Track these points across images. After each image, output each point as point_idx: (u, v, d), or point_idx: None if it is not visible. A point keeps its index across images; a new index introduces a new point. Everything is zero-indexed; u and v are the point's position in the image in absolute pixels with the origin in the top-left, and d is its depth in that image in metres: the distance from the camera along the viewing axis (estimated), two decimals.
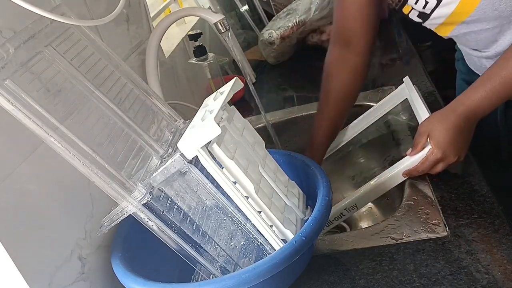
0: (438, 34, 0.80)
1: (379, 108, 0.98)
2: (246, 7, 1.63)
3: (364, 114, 0.99)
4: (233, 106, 0.64)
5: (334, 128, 0.91)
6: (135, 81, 0.67)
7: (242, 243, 0.65)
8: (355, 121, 1.00)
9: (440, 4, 0.72)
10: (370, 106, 1.04)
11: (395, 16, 1.48)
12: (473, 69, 0.91)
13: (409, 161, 0.74)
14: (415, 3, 0.74)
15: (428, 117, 0.76)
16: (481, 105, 0.70)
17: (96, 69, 0.62)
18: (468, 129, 0.72)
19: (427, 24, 0.77)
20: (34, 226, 0.56)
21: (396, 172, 0.76)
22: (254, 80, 1.41)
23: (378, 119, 0.99)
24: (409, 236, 0.65)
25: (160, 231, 0.57)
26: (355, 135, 1.01)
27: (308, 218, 0.58)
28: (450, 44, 0.90)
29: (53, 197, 0.59)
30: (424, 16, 0.75)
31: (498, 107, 0.72)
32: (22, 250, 0.53)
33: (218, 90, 0.61)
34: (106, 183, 0.53)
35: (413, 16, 0.77)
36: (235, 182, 0.57)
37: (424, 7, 0.74)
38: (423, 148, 0.73)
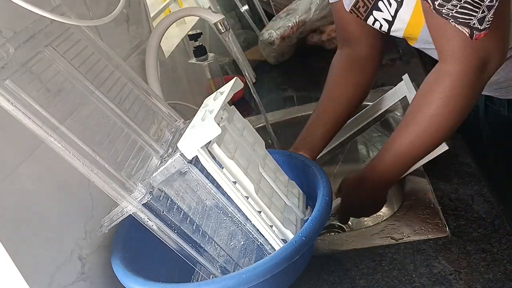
0: None
1: (376, 106, 0.97)
2: (246, 7, 1.63)
3: (362, 111, 0.97)
4: (233, 106, 0.64)
5: (332, 131, 0.86)
6: (135, 81, 0.67)
7: (242, 243, 0.65)
8: (352, 118, 0.97)
9: (391, 30, 0.74)
10: None
11: None
12: None
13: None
14: (373, 24, 0.75)
15: (350, 177, 0.79)
16: (393, 171, 0.71)
17: (96, 69, 0.62)
18: (379, 196, 0.75)
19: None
20: (34, 226, 0.56)
21: None
22: (254, 80, 1.41)
23: (375, 117, 0.98)
24: (409, 236, 0.65)
25: (160, 231, 0.57)
26: (351, 133, 0.99)
27: (308, 218, 0.58)
28: None
29: (53, 197, 0.59)
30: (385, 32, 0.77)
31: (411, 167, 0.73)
32: (22, 250, 0.53)
33: (218, 90, 0.61)
34: (106, 183, 0.53)
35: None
36: (235, 182, 0.57)
37: (380, 28, 0.75)
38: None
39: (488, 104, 0.92)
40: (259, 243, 0.60)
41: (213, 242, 0.62)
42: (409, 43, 0.79)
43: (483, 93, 0.89)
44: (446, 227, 0.65)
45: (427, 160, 0.74)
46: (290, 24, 1.41)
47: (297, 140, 0.86)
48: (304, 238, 0.54)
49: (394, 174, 0.72)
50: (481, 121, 0.96)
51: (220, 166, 0.56)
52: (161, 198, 0.58)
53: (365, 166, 0.75)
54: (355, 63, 0.85)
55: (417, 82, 1.07)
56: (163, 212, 0.57)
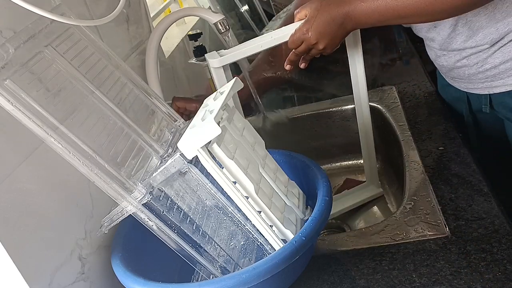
0: None
1: None
2: (246, 7, 1.63)
3: None
4: (233, 106, 0.64)
5: None
6: (135, 81, 0.67)
7: (242, 243, 0.65)
8: None
9: None
10: (370, 106, 1.04)
11: None
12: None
13: (284, 29, 0.74)
14: None
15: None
16: (368, 16, 0.67)
17: (96, 69, 0.62)
18: (343, 29, 0.70)
19: None
20: (34, 226, 0.56)
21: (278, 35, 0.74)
22: None
23: None
24: (409, 236, 0.65)
25: (160, 231, 0.57)
26: None
27: (308, 218, 0.58)
28: None
29: (53, 197, 0.59)
30: None
31: (380, 24, 0.69)
32: (22, 250, 0.53)
33: (218, 90, 0.61)
34: (106, 183, 0.53)
35: None
36: (235, 182, 0.57)
37: None
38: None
39: (471, 102, 0.93)
40: (259, 243, 0.60)
41: (213, 242, 0.62)
42: None
43: (464, 90, 0.90)
44: (446, 227, 0.65)
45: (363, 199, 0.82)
46: None
47: None
48: (304, 238, 0.54)
49: (372, 18, 0.68)
50: (466, 122, 0.96)
51: (220, 166, 0.56)
52: (161, 198, 0.58)
53: None
54: None
55: (417, 81, 1.08)
56: (163, 212, 0.57)
